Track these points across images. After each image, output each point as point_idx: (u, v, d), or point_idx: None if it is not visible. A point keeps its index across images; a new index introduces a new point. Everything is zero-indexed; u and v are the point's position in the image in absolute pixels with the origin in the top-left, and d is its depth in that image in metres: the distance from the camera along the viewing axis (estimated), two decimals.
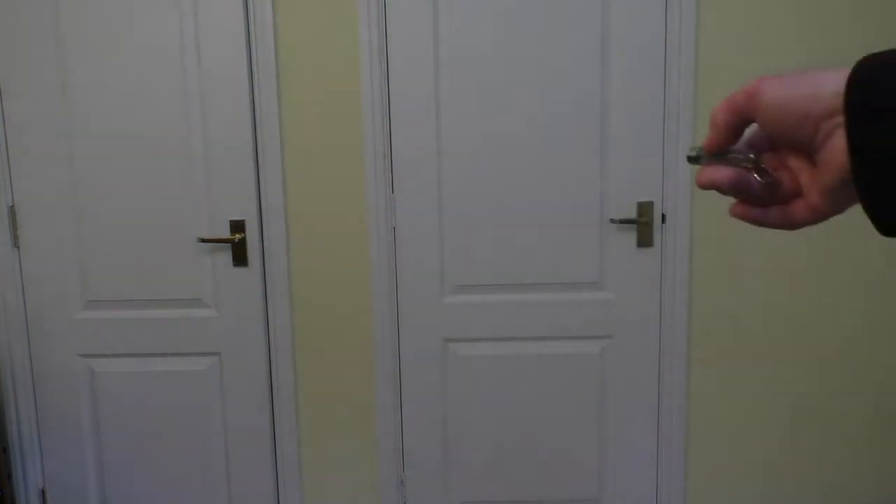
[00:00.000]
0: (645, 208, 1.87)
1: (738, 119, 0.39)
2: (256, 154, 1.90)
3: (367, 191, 1.89)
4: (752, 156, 0.41)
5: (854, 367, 1.93)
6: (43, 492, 2.07)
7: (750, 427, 1.97)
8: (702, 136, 1.84)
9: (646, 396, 1.97)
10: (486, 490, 2.02)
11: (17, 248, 1.95)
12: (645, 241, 1.89)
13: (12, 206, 1.93)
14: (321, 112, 1.88)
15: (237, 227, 1.91)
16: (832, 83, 0.34)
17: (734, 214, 0.43)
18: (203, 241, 1.90)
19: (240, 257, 1.92)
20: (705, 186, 0.42)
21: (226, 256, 1.93)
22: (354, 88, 1.87)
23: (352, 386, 1.99)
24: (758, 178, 0.41)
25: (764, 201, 0.41)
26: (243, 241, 1.91)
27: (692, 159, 0.43)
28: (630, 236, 1.89)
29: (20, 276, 1.96)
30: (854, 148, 0.34)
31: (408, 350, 1.97)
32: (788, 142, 0.38)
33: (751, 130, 0.41)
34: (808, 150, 0.38)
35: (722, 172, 0.41)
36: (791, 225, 0.41)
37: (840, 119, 0.34)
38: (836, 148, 0.35)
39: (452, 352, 1.97)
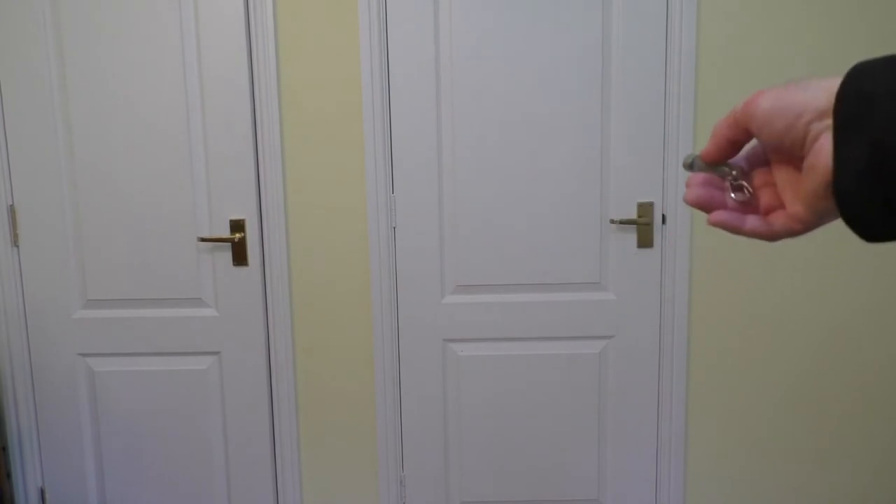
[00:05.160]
0: (645, 209, 1.87)
1: (738, 132, 0.41)
2: (257, 153, 1.89)
3: (367, 190, 1.89)
4: (734, 172, 0.43)
5: (858, 367, 1.93)
6: (42, 491, 2.06)
7: (750, 428, 1.97)
8: (702, 136, 1.84)
9: (646, 397, 1.97)
10: (486, 490, 2.03)
11: (17, 246, 1.94)
12: (645, 241, 1.89)
13: (12, 205, 1.92)
14: (321, 111, 1.88)
15: (237, 226, 1.91)
16: (825, 87, 0.35)
17: (712, 222, 0.44)
18: (203, 240, 1.90)
19: (240, 256, 1.92)
20: (690, 204, 0.44)
21: (226, 256, 1.92)
22: (355, 88, 1.87)
23: (352, 386, 1.99)
24: (732, 196, 0.43)
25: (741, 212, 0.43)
26: (243, 241, 1.91)
27: (687, 167, 0.45)
28: (630, 237, 1.90)
29: (19, 274, 1.95)
30: (837, 150, 0.34)
31: (408, 350, 1.97)
32: (780, 147, 0.39)
33: (750, 145, 0.43)
34: (798, 160, 0.39)
35: (694, 193, 0.44)
36: (770, 234, 0.42)
37: (829, 121, 0.35)
38: (823, 149, 0.35)
39: (452, 352, 1.97)
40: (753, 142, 0.41)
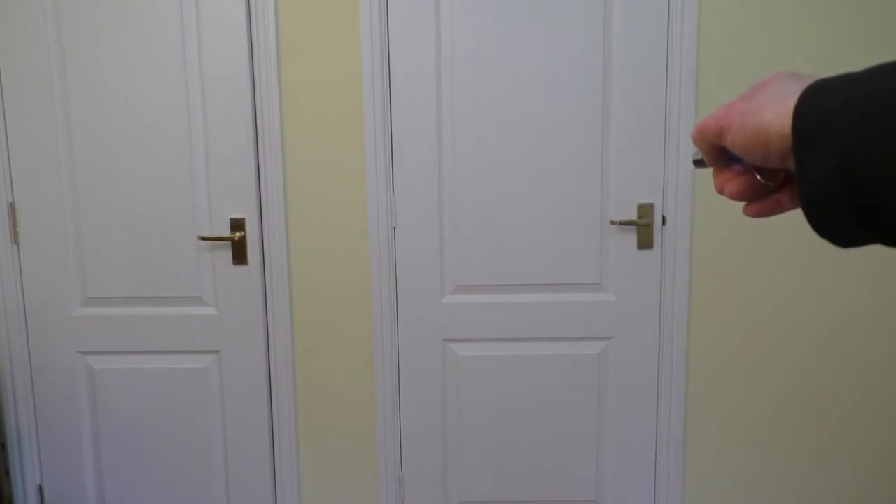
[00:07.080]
0: (645, 210, 1.87)
1: (718, 147, 0.42)
2: (257, 152, 1.90)
3: (367, 190, 1.89)
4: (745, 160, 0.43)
5: (858, 367, 1.93)
6: (41, 489, 2.06)
7: (750, 428, 1.97)
8: None
9: (645, 397, 1.97)
10: (485, 490, 2.02)
11: (17, 244, 1.95)
12: (645, 242, 1.89)
13: (12, 203, 1.93)
14: (322, 110, 1.88)
15: (237, 225, 1.91)
16: (777, 125, 0.36)
17: (749, 214, 0.45)
18: (203, 238, 1.90)
19: (240, 255, 1.92)
20: (720, 192, 0.45)
21: (226, 254, 1.93)
22: (355, 87, 1.87)
23: (351, 386, 1.98)
24: (761, 179, 0.43)
25: (762, 195, 0.44)
26: (243, 240, 1.91)
27: (697, 163, 0.45)
28: (630, 238, 1.89)
29: (19, 272, 1.95)
30: (798, 166, 0.35)
31: (407, 350, 1.97)
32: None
33: None
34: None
35: (731, 186, 0.44)
36: (780, 211, 0.44)
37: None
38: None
39: (452, 352, 1.97)
40: None
